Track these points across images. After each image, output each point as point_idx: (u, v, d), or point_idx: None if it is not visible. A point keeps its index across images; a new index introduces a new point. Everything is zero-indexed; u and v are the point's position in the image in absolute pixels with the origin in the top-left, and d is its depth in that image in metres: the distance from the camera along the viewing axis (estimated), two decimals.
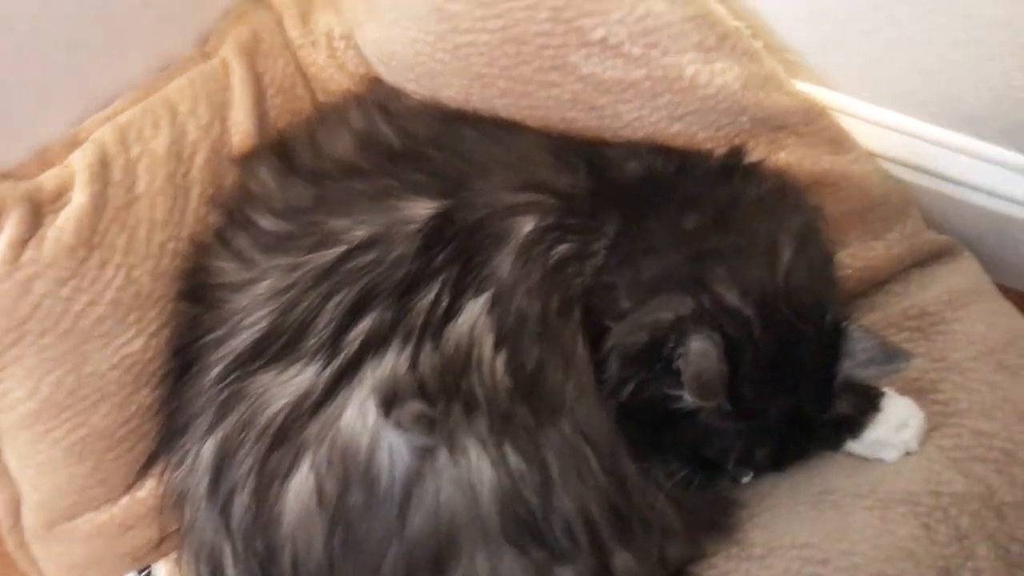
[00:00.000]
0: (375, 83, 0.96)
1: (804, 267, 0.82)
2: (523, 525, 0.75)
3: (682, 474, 0.81)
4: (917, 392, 0.89)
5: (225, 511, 0.78)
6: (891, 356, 0.81)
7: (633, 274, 0.82)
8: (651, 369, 0.78)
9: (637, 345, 0.79)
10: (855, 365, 0.80)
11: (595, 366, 0.81)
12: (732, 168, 0.89)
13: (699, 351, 0.75)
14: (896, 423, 0.85)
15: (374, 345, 0.76)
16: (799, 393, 0.79)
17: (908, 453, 0.86)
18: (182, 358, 0.83)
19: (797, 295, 0.80)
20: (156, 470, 0.86)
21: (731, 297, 0.79)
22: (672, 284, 0.80)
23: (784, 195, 0.89)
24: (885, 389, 0.87)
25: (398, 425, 0.74)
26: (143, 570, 0.92)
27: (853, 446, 0.87)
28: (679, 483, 0.81)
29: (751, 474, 0.84)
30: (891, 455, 0.86)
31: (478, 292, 0.79)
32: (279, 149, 0.90)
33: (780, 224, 0.84)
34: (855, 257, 0.97)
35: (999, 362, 0.91)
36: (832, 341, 0.80)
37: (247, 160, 0.90)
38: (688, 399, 0.76)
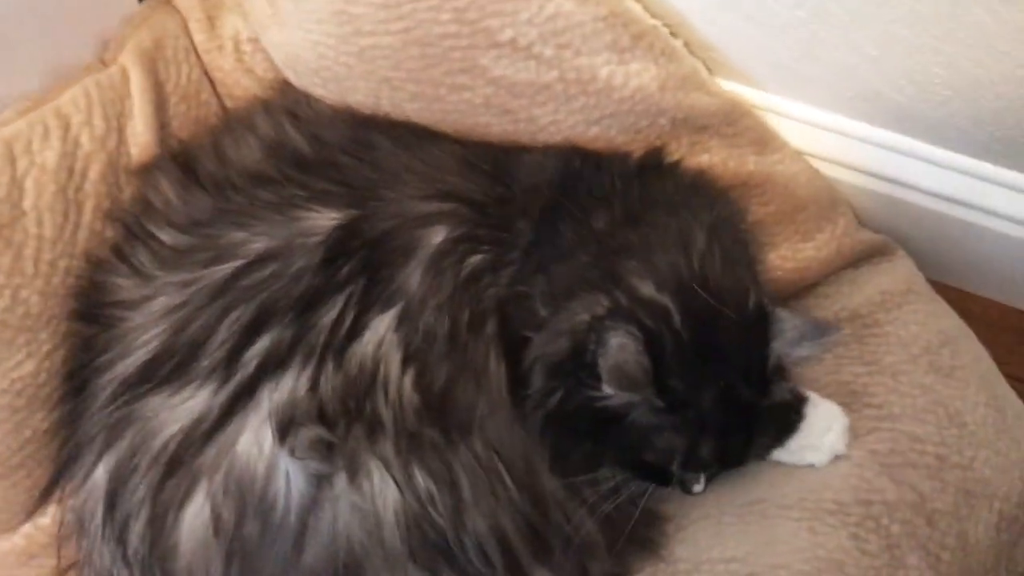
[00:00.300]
0: (284, 88, 0.92)
1: (719, 253, 0.80)
2: (433, 548, 0.73)
3: (629, 491, 0.78)
4: (850, 396, 0.88)
5: (121, 540, 0.75)
6: (820, 330, 0.80)
7: (547, 281, 0.80)
8: (577, 376, 0.76)
9: (560, 353, 0.77)
10: (786, 344, 0.78)
11: (517, 379, 0.78)
12: (648, 168, 0.87)
13: (617, 346, 0.73)
14: (821, 427, 0.84)
15: (272, 366, 0.73)
16: (731, 379, 0.76)
17: (836, 456, 0.85)
18: (76, 380, 0.80)
19: (715, 281, 0.78)
20: (57, 496, 0.83)
21: (646, 288, 0.77)
22: (586, 285, 0.78)
23: (699, 189, 0.87)
24: (809, 394, 0.85)
25: (293, 452, 0.71)
26: None
27: (780, 454, 0.85)
28: (625, 498, 0.78)
29: (702, 478, 0.81)
30: (819, 459, 0.85)
31: (385, 308, 0.76)
32: (182, 159, 0.86)
33: (693, 215, 0.82)
34: (785, 259, 0.95)
35: (931, 364, 0.90)
36: (759, 324, 0.78)
37: (147, 171, 0.86)
38: (614, 397, 0.74)
